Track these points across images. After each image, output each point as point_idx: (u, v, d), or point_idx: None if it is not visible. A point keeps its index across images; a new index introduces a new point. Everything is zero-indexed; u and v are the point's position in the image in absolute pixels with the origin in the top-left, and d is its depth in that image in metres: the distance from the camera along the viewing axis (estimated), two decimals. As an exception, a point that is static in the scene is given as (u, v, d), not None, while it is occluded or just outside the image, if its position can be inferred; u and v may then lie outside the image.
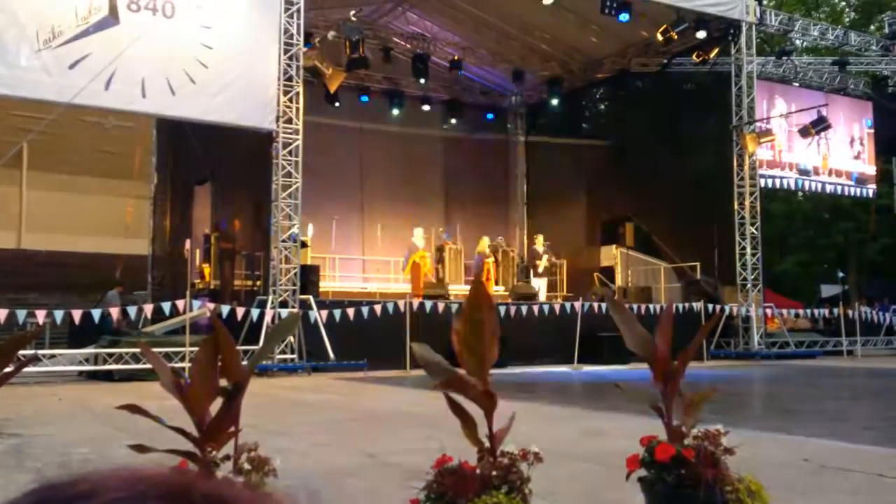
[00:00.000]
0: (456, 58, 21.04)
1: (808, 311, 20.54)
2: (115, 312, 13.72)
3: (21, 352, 6.51)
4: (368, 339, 14.04)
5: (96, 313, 13.08)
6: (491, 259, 19.64)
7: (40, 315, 12.44)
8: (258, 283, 15.95)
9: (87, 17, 12.52)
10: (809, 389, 12.10)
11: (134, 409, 2.82)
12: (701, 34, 18.49)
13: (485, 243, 19.62)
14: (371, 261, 21.30)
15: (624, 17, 17.39)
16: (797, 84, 21.88)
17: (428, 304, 15.02)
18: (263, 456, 2.80)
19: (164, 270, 18.98)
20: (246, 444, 2.82)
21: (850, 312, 19.27)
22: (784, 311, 20.22)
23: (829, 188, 22.12)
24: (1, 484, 4.42)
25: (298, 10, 14.32)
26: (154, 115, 15.61)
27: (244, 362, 3.11)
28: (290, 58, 14.24)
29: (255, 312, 13.48)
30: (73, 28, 12.41)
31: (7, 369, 2.99)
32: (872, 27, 31.60)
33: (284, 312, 13.39)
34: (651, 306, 17.24)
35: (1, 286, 16.74)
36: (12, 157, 16.12)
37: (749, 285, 18.44)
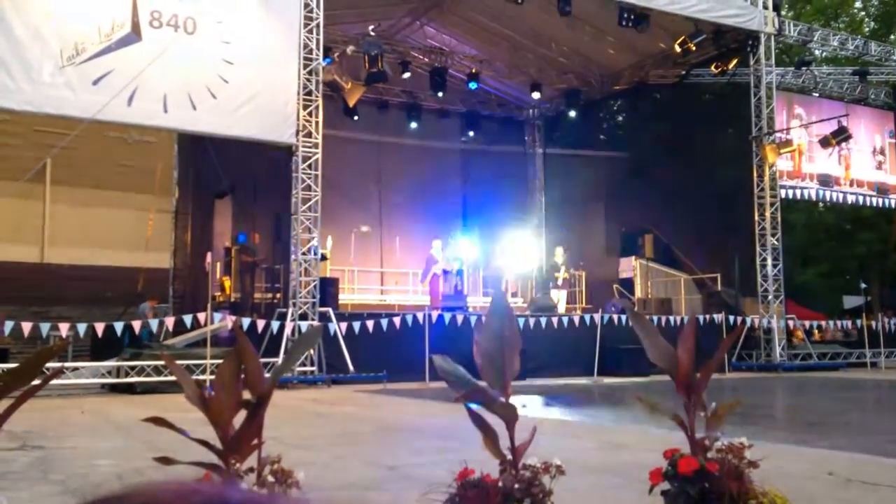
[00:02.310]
0: (473, 71, 21.12)
1: (831, 322, 20.32)
2: (136, 325, 13.83)
3: (46, 365, 6.57)
4: (388, 352, 14.06)
5: (118, 326, 13.20)
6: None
7: (63, 328, 12.56)
8: (278, 295, 16.03)
9: (110, 34, 12.71)
10: (833, 402, 11.95)
11: (159, 421, 2.84)
12: (719, 45, 18.45)
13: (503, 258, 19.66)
14: (390, 273, 21.35)
15: (642, 28, 17.39)
16: (817, 94, 21.75)
17: (447, 316, 15.02)
18: (287, 468, 2.81)
19: (185, 283, 19.11)
20: (269, 456, 2.84)
21: (873, 324, 19.05)
22: (809, 324, 19.96)
23: (850, 198, 21.93)
24: (26, 496, 4.46)
25: (318, 25, 14.45)
26: (176, 130, 15.78)
27: (266, 375, 3.13)
28: (310, 72, 14.35)
29: (275, 325, 13.54)
30: (97, 45, 12.59)
31: (34, 382, 3.02)
32: (893, 37, 31.37)
33: (304, 325, 13.45)
34: (671, 318, 17.15)
35: (25, 300, 16.93)
36: (36, 172, 16.33)
37: (770, 297, 18.28)
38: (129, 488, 0.54)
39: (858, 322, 19.13)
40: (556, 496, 2.84)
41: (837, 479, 4.76)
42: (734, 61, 19.17)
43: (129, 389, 12.45)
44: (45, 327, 12.45)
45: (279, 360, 12.08)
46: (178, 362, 6.86)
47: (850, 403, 11.75)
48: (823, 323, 20.54)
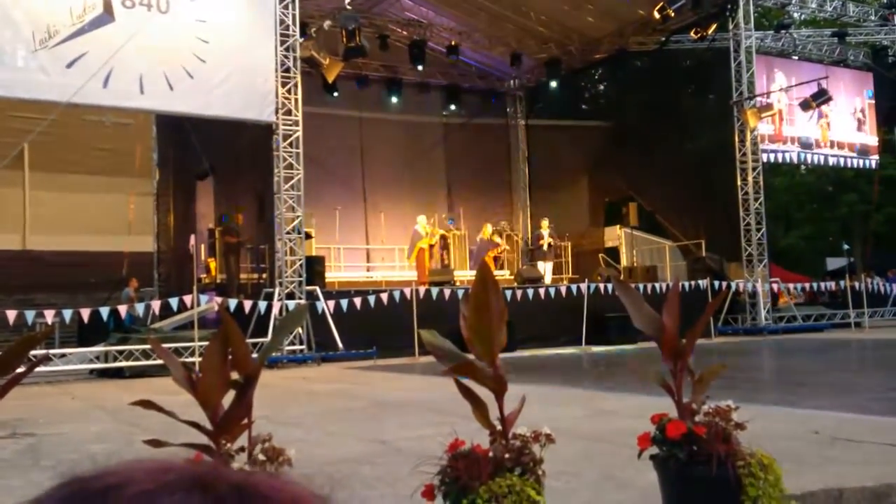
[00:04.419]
0: (453, 43, 20.96)
1: (815, 284, 20.51)
2: (122, 310, 13.77)
3: (32, 352, 6.54)
4: (376, 328, 14.09)
5: (104, 311, 13.14)
6: (502, 244, 19.82)
7: (49, 315, 12.49)
8: (264, 275, 15.99)
9: (83, 15, 12.50)
10: (818, 362, 12.11)
11: (147, 404, 2.83)
12: (698, 10, 18.38)
13: (487, 230, 19.66)
14: (375, 249, 21.33)
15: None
16: (797, 57, 21.75)
17: (434, 291, 15.05)
18: (277, 447, 2.81)
19: (170, 266, 19.01)
20: (260, 435, 2.84)
21: (856, 284, 19.25)
22: (791, 286, 20.17)
23: (831, 160, 22.04)
24: (18, 484, 4.46)
25: (293, 1, 14.27)
26: (153, 112, 15.61)
27: (254, 355, 3.13)
28: (287, 49, 14.20)
29: (262, 305, 13.52)
30: (69, 27, 12.39)
31: (19, 370, 3.01)
32: (871, -3, 31.34)
33: (291, 304, 13.43)
34: (657, 285, 17.25)
35: (8, 288, 16.80)
36: (14, 158, 16.13)
37: (755, 261, 18.42)
38: (103, 468, 0.53)
39: (842, 283, 19.32)
40: (546, 464, 2.86)
41: (823, 437, 4.83)
42: (713, 26, 19.12)
43: (118, 374, 12.43)
44: (30, 315, 12.37)
45: (268, 340, 12.07)
46: (166, 346, 6.85)
47: (835, 364, 11.91)
48: (807, 285, 20.74)
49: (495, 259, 19.81)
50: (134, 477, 0.51)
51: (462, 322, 3.07)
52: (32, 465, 5.12)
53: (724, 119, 19.26)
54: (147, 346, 12.06)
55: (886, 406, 6.46)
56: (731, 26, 18.89)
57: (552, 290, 16.61)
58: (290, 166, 14.14)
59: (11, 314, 12.04)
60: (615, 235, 21.56)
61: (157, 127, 18.89)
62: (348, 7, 16.99)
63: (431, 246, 18.51)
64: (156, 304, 14.08)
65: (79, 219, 19.17)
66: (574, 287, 16.66)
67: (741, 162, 18.76)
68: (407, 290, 14.58)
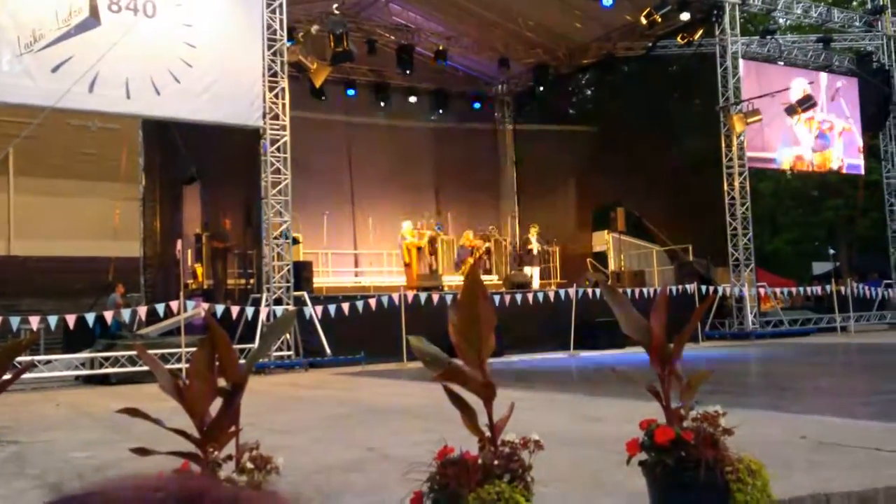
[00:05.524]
0: (440, 48, 20.98)
1: (802, 288, 20.63)
2: (108, 316, 13.67)
3: (17, 359, 6.49)
4: (364, 333, 14.05)
5: (90, 317, 13.04)
6: (483, 247, 19.73)
7: (34, 321, 12.38)
8: (251, 281, 15.92)
9: (68, 19, 12.43)
10: (804, 367, 12.17)
11: (133, 412, 2.81)
12: (684, 16, 18.50)
13: (468, 237, 19.68)
14: (364, 254, 21.29)
15: (608, 0, 17.38)
16: (782, 63, 21.89)
17: (422, 296, 15.03)
18: (265, 454, 2.80)
19: (157, 272, 18.89)
20: (247, 443, 2.82)
21: (842, 289, 19.37)
22: (777, 290, 20.29)
23: (816, 165, 22.14)
24: (2, 493, 4.41)
25: (280, 5, 14.25)
26: (139, 116, 15.52)
27: (241, 361, 3.11)
28: (274, 53, 14.17)
29: (249, 311, 13.46)
30: (55, 31, 12.32)
31: (4, 377, 2.97)
32: (855, 3, 31.65)
33: (279, 310, 13.38)
34: (645, 290, 17.31)
35: (-8, 294, 16.63)
36: (-2, 163, 16.02)
37: (741, 265, 18.52)
38: (90, 487, 0.52)
39: (828, 287, 19.44)
40: (535, 470, 2.86)
41: (810, 442, 4.85)
42: (700, 31, 19.25)
43: (104, 381, 12.33)
44: (14, 321, 12.25)
45: (255, 346, 12.02)
46: (153, 352, 6.80)
47: (821, 368, 11.97)
48: (794, 289, 20.85)
49: (479, 259, 19.83)
50: (121, 495, 0.51)
51: (450, 328, 3.06)
52: (17, 474, 5.06)
53: (710, 124, 19.36)
54: (133, 353, 11.98)
55: (873, 410, 6.49)
56: (717, 32, 19.01)
57: (540, 296, 16.64)
58: (278, 171, 14.11)
59: (-4, 320, 11.93)
60: (603, 240, 21.62)
61: (144, 132, 18.77)
62: (336, 12, 16.98)
63: (420, 248, 18.51)
64: (142, 310, 13.98)
65: (64, 224, 19.03)
66: (562, 292, 16.68)
67: (727, 167, 18.86)
68: (395, 296, 14.56)
